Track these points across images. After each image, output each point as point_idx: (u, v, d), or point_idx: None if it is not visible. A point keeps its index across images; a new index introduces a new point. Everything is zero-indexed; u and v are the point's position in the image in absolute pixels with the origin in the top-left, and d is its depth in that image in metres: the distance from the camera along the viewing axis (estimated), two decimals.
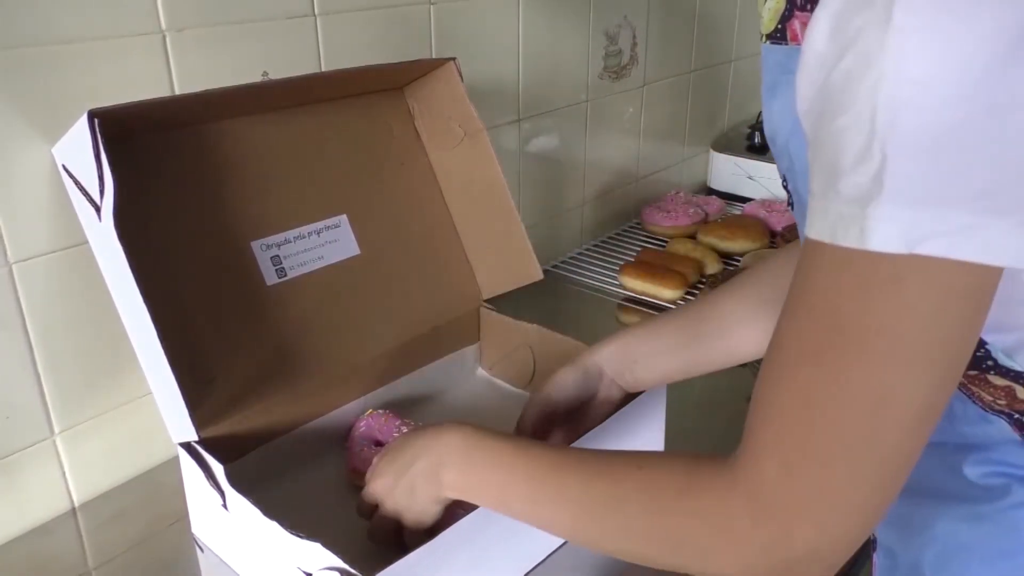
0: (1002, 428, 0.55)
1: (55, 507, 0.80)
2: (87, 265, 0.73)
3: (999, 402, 0.53)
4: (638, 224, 1.50)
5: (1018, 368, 0.50)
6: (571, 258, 1.37)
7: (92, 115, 0.63)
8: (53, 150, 0.71)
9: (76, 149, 0.66)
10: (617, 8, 1.33)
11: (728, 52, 1.69)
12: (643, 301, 1.22)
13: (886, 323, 0.40)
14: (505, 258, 0.97)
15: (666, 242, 1.39)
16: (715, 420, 0.97)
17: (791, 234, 1.35)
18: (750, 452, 0.45)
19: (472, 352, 1.01)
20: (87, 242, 0.72)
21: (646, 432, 0.82)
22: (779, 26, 0.54)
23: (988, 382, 0.52)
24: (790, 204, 0.59)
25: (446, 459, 0.61)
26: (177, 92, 0.79)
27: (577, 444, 0.71)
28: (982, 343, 0.49)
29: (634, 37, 1.39)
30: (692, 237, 1.40)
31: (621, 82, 1.39)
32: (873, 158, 0.39)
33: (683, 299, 1.21)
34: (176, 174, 0.78)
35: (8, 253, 0.71)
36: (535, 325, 0.94)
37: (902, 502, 0.46)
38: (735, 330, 0.73)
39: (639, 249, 1.36)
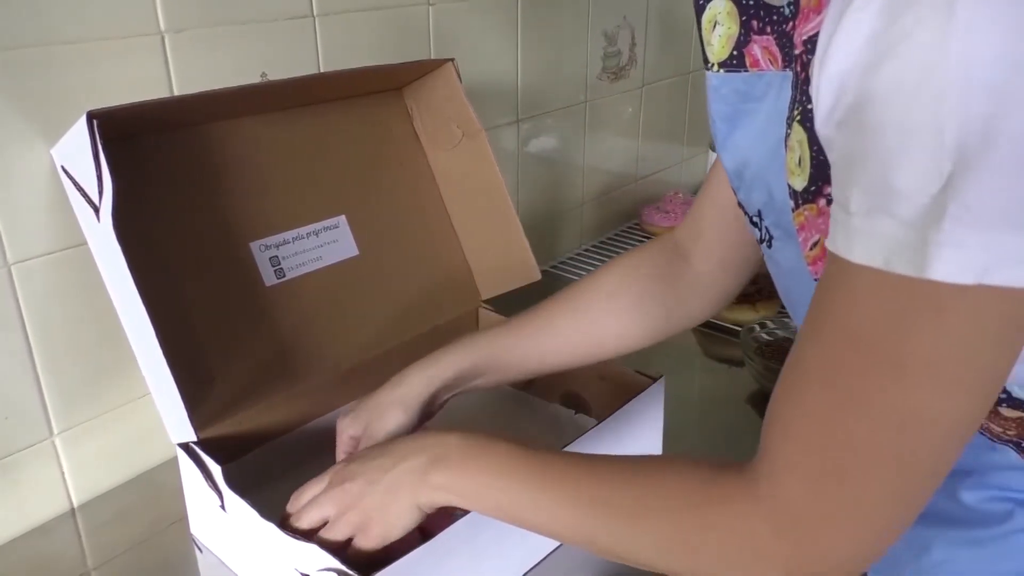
0: (1007, 456, 0.53)
1: (54, 507, 0.80)
2: (86, 266, 0.73)
3: (1008, 432, 0.51)
4: (637, 225, 1.50)
5: None
6: (570, 259, 1.37)
7: (91, 116, 0.63)
8: (52, 151, 0.71)
9: (75, 150, 0.66)
10: (616, 9, 1.33)
11: None
12: None
13: (926, 350, 0.38)
14: (503, 259, 0.97)
15: None
16: (714, 420, 0.97)
17: None
18: (771, 466, 0.44)
19: None
20: (86, 243, 0.72)
21: (645, 432, 0.82)
22: (734, 52, 0.52)
23: (999, 414, 0.50)
24: (764, 241, 0.56)
25: (442, 457, 0.57)
26: (176, 93, 0.79)
27: (578, 442, 0.71)
28: None
29: (633, 38, 1.39)
30: None
31: (620, 83, 1.39)
32: (937, 177, 0.35)
33: None
34: (175, 175, 0.78)
35: (7, 254, 0.71)
36: None
37: None
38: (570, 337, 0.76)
39: None
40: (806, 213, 0.47)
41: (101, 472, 0.82)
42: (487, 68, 1.13)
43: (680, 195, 1.52)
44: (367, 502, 0.59)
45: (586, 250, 1.41)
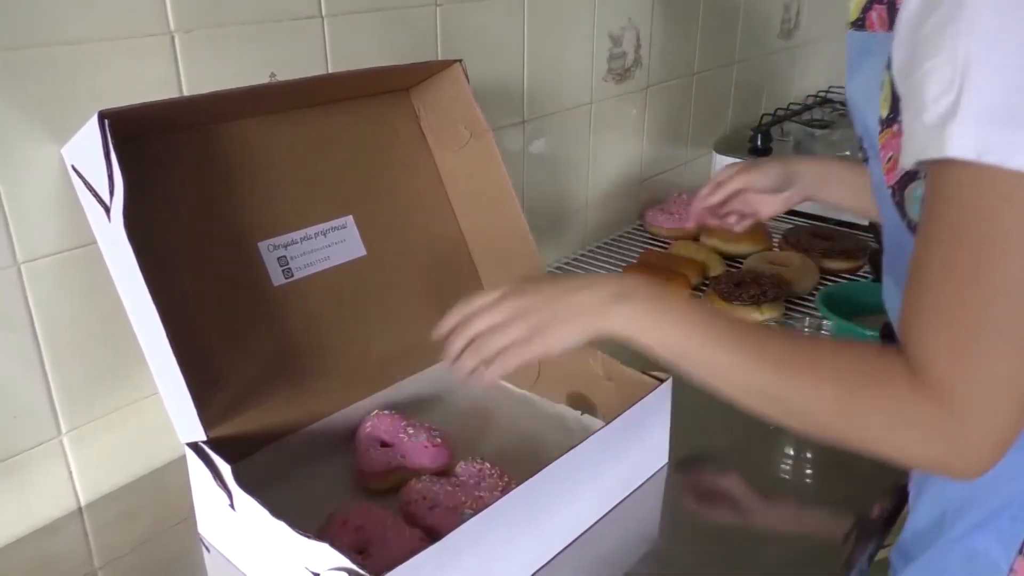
0: None
1: (62, 506, 0.80)
2: (95, 265, 0.73)
3: None
4: (641, 226, 1.50)
5: None
6: (574, 259, 1.37)
7: (103, 116, 0.63)
8: (62, 151, 0.71)
9: (86, 150, 0.66)
10: (621, 10, 1.33)
11: (731, 54, 1.69)
12: None
13: (996, 226, 0.48)
14: (510, 259, 0.98)
15: (669, 244, 1.39)
16: (721, 421, 0.97)
17: (793, 236, 1.36)
18: (926, 356, 0.51)
19: None
20: (95, 242, 0.72)
21: (652, 433, 0.82)
22: (861, 16, 0.63)
23: None
24: (865, 160, 0.68)
25: (630, 294, 0.63)
26: (185, 93, 0.79)
27: (584, 444, 0.71)
28: None
29: (638, 39, 1.39)
30: (695, 239, 1.40)
31: (625, 84, 1.39)
32: (952, 90, 0.48)
33: None
34: (184, 175, 0.78)
35: (17, 253, 0.71)
36: None
37: None
38: None
39: (642, 251, 1.37)
40: (886, 136, 0.59)
41: (108, 471, 0.83)
42: (493, 69, 1.13)
43: (684, 196, 1.52)
44: (543, 314, 0.64)
45: (590, 251, 1.41)
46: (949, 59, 0.48)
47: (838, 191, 0.93)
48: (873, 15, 0.62)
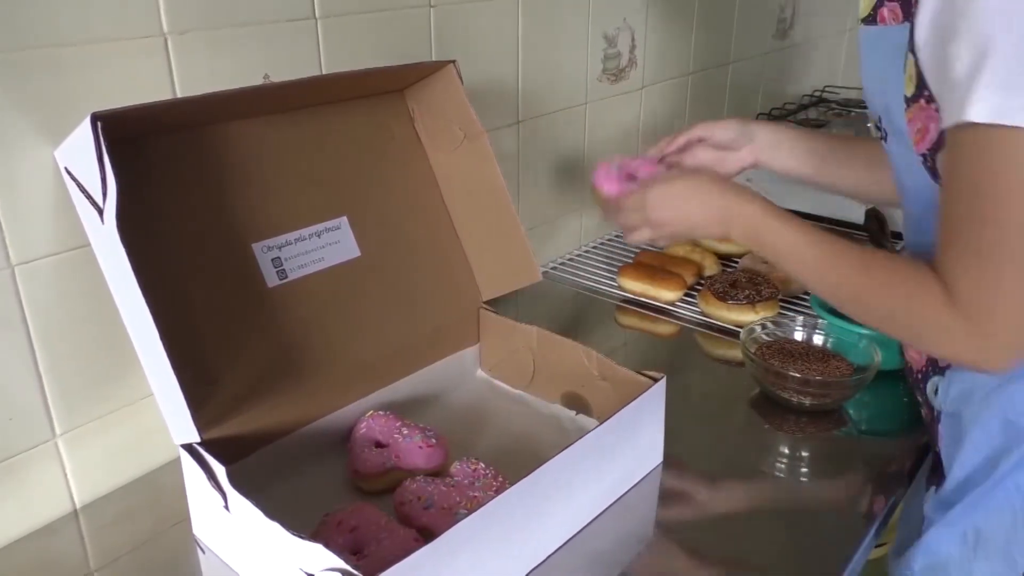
0: None
1: (57, 509, 0.80)
2: (89, 267, 0.73)
3: None
4: None
5: None
6: (570, 260, 1.37)
7: (95, 118, 0.63)
8: (55, 152, 0.71)
9: (79, 152, 0.66)
10: (616, 11, 1.33)
11: (726, 54, 1.69)
12: (641, 303, 1.22)
13: (1004, 178, 0.61)
14: (504, 260, 0.98)
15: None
16: (715, 420, 0.97)
17: None
18: (957, 284, 0.65)
19: (472, 353, 1.01)
20: (89, 244, 0.72)
21: (646, 432, 0.82)
22: (872, 12, 0.74)
23: None
24: (883, 138, 0.79)
25: (738, 223, 0.82)
26: (179, 95, 0.79)
27: (578, 444, 0.71)
28: None
29: (633, 40, 1.39)
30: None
31: (620, 84, 1.40)
32: (973, 65, 0.60)
33: (682, 301, 1.21)
34: (178, 176, 0.78)
35: (10, 255, 0.71)
36: (535, 327, 0.95)
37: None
38: (868, 169, 0.96)
39: (637, 251, 1.37)
40: (914, 110, 0.71)
41: (104, 473, 0.83)
42: (488, 70, 1.13)
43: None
44: (679, 219, 0.88)
45: (586, 251, 1.41)
46: (967, 42, 0.60)
47: (788, 160, 1.00)
48: (885, 11, 0.72)
